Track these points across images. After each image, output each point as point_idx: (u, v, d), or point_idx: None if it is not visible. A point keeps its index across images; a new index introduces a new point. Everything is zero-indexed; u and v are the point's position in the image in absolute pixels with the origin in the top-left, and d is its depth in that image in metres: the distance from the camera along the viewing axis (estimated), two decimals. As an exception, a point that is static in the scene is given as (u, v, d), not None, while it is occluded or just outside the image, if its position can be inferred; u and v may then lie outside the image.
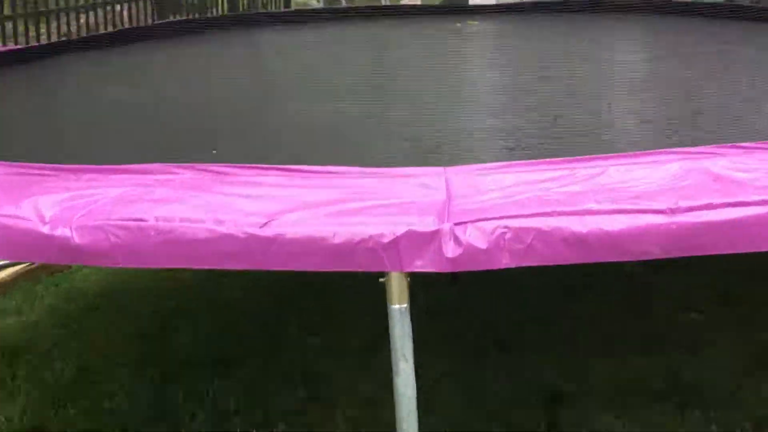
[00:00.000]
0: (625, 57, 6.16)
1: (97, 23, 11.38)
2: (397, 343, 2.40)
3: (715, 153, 2.75)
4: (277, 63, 6.40)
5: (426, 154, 3.36)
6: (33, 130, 4.16)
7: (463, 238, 2.31)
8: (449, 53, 6.23)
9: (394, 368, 2.41)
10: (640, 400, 3.56)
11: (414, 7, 10.55)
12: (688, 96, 4.56)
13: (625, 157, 2.74)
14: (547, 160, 2.76)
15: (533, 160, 2.76)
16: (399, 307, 2.38)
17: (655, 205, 2.35)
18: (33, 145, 3.71)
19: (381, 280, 2.39)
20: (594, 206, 2.36)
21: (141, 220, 2.45)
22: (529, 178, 2.62)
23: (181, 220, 2.43)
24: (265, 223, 2.38)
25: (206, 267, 2.46)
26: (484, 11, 8.30)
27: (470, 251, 2.30)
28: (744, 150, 2.78)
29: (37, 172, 2.94)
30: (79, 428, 3.70)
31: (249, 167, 2.82)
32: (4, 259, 3.48)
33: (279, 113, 4.41)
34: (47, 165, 2.97)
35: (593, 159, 2.74)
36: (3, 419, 3.78)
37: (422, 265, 2.33)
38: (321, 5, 18.01)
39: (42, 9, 10.62)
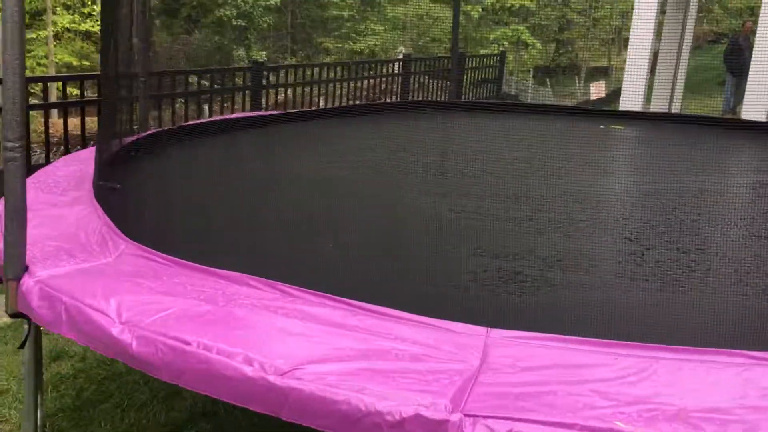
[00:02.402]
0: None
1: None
2: None
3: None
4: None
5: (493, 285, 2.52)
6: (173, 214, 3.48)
7: (470, 436, 1.58)
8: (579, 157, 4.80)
9: None
10: None
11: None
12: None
13: (679, 351, 1.86)
14: (596, 340, 1.92)
15: (581, 338, 1.93)
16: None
17: (693, 440, 1.51)
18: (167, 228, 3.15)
19: (389, 453, 1.70)
20: (620, 425, 1.55)
21: (187, 343, 1.91)
22: (569, 361, 1.83)
23: (218, 351, 1.87)
24: (286, 372, 1.76)
25: (233, 403, 1.87)
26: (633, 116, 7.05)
27: (475, 453, 1.57)
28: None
29: (151, 257, 2.49)
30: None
31: (312, 293, 2.20)
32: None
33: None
34: (161, 255, 2.49)
35: (644, 348, 1.89)
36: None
37: (426, 454, 1.62)
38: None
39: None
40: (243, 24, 19.68)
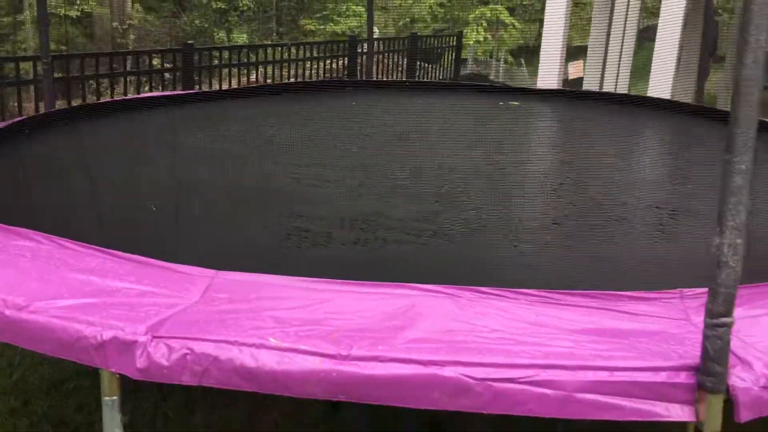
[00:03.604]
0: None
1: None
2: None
3: (446, 293, 2.13)
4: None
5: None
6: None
7: (153, 352, 1.91)
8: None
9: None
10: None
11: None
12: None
13: (365, 285, 2.19)
14: (314, 279, 2.25)
15: (305, 278, 2.26)
16: (109, 399, 2.02)
17: (330, 349, 1.84)
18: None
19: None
20: (273, 341, 1.88)
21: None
22: (274, 294, 2.16)
23: (-31, 294, 2.18)
24: (23, 307, 2.09)
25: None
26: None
27: (156, 366, 1.90)
28: (482, 295, 2.14)
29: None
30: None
31: (84, 246, 2.52)
32: None
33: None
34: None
35: (345, 284, 2.22)
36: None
37: (122, 369, 1.95)
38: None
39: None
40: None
